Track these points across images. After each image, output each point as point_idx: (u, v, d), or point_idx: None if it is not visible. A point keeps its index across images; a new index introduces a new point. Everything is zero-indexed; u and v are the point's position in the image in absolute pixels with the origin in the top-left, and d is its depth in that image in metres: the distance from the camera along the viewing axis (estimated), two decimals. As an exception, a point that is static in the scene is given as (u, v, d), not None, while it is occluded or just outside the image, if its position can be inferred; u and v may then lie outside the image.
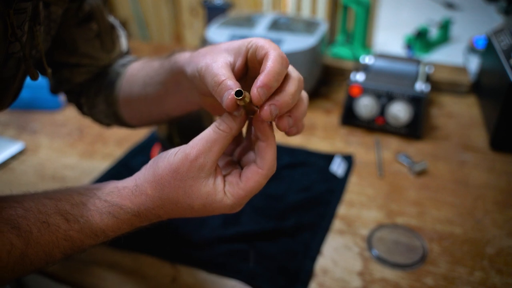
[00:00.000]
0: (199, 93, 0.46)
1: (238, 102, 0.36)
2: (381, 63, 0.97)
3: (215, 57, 0.40)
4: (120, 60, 0.62)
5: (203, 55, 0.41)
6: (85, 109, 0.63)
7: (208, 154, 0.38)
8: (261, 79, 0.36)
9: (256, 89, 0.36)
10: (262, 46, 0.38)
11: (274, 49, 0.38)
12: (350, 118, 0.91)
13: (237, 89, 0.36)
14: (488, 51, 0.98)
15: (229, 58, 0.40)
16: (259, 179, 0.39)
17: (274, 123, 0.42)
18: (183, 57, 0.45)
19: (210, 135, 0.38)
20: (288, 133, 0.43)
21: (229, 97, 0.36)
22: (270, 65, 0.36)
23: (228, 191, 0.39)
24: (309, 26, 1.03)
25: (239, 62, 0.40)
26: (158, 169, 0.40)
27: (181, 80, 0.47)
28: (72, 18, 0.55)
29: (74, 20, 0.55)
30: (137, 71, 0.56)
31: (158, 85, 0.51)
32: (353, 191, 0.73)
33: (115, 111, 0.59)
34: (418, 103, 0.84)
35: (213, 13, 1.22)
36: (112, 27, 0.61)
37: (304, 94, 0.44)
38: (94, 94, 0.60)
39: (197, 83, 0.43)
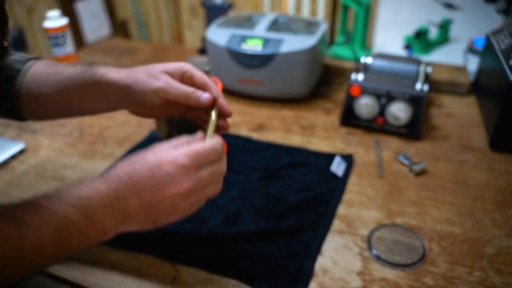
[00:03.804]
0: (133, 103, 0.56)
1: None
2: (381, 63, 0.97)
3: (163, 77, 0.54)
4: (12, 57, 0.63)
5: (149, 76, 0.54)
6: None
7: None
8: (226, 108, 0.58)
9: (223, 105, 0.57)
10: (201, 77, 0.56)
11: (209, 80, 0.56)
12: (350, 118, 0.91)
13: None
14: (487, 51, 0.98)
15: (173, 79, 0.55)
16: (205, 145, 0.47)
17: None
18: (115, 74, 0.55)
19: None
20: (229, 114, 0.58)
21: (207, 96, 0.54)
22: (220, 100, 0.57)
23: (177, 148, 0.47)
24: (309, 26, 1.03)
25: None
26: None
27: (110, 92, 0.56)
28: None
29: None
30: (45, 72, 0.60)
31: (75, 92, 0.58)
32: (353, 191, 0.73)
33: (9, 106, 0.61)
34: (418, 103, 0.84)
35: (213, 13, 1.22)
36: (6, 19, 0.61)
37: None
38: None
39: (145, 98, 0.54)
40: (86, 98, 0.58)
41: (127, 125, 0.95)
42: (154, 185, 0.44)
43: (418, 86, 0.87)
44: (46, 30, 1.08)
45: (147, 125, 0.95)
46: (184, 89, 0.53)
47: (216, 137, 0.50)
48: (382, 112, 0.88)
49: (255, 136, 0.90)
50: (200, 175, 0.46)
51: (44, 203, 0.41)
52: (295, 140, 0.88)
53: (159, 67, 0.55)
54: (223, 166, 0.49)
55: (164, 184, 0.44)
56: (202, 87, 0.55)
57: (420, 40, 1.31)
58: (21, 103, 0.61)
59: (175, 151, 0.46)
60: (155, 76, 0.54)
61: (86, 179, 0.45)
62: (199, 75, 0.55)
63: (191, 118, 0.61)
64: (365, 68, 0.99)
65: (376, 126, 0.89)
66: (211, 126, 0.54)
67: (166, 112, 0.59)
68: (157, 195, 0.44)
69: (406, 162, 0.79)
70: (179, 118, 0.76)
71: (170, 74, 0.55)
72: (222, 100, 0.56)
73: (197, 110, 0.59)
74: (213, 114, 0.55)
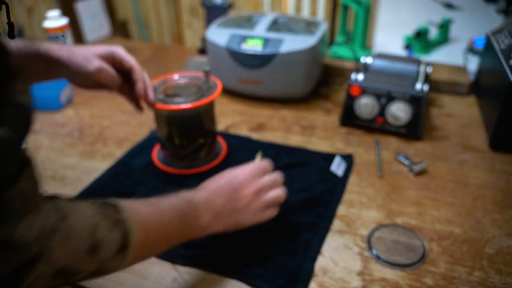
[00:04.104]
0: (71, 79, 0.65)
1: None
2: (381, 63, 0.97)
3: (98, 62, 0.62)
4: None
5: (85, 59, 0.62)
6: None
7: None
8: (149, 94, 0.67)
9: (148, 93, 0.67)
10: (128, 62, 0.65)
11: (136, 64, 0.66)
12: (350, 118, 0.91)
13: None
14: (487, 51, 0.98)
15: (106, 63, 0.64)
16: (262, 162, 0.64)
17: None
18: (57, 52, 0.61)
19: None
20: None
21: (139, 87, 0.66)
22: (146, 79, 0.67)
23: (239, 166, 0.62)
24: (309, 26, 1.03)
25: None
26: None
27: (52, 66, 0.62)
28: None
29: None
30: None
31: (19, 65, 0.62)
32: (353, 191, 0.73)
33: None
34: (418, 103, 0.84)
35: (213, 13, 1.22)
36: None
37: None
38: None
39: (80, 77, 0.63)
40: (29, 70, 0.63)
41: (127, 125, 0.95)
42: (232, 188, 0.57)
43: (418, 86, 0.87)
44: (46, 30, 1.08)
45: (147, 125, 0.95)
46: (113, 77, 0.64)
47: (265, 161, 0.63)
48: (382, 112, 0.88)
49: (255, 136, 0.90)
50: (264, 179, 0.59)
51: (165, 199, 0.51)
52: (295, 140, 0.88)
53: (92, 50, 0.63)
54: (279, 176, 0.61)
55: (239, 186, 0.57)
56: (129, 71, 0.66)
57: (420, 40, 1.31)
58: None
59: (242, 166, 0.60)
60: (90, 59, 0.62)
61: (185, 191, 0.55)
62: (128, 59, 0.65)
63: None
64: (365, 68, 0.99)
65: (376, 126, 0.89)
66: (258, 156, 0.73)
67: (100, 88, 0.67)
68: (235, 196, 0.56)
69: (406, 162, 0.79)
70: (179, 119, 0.76)
71: (103, 58, 0.63)
72: (150, 91, 0.66)
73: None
74: (258, 157, 0.73)
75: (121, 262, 0.43)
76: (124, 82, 0.67)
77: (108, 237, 0.41)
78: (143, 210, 0.47)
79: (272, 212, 0.60)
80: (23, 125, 0.36)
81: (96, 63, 0.62)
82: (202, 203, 0.54)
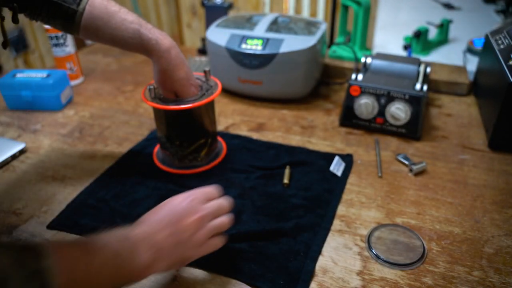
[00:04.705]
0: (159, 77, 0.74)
1: None
2: (381, 63, 0.97)
3: (169, 94, 0.75)
4: None
5: (163, 85, 0.73)
6: (25, 15, 0.71)
7: None
8: None
9: None
10: None
11: None
12: (350, 118, 0.92)
13: None
14: (486, 51, 0.98)
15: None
16: (205, 187, 0.59)
17: None
18: (157, 60, 0.71)
19: None
20: None
21: None
22: None
23: (183, 193, 0.56)
24: (309, 26, 1.03)
25: None
26: None
27: (150, 59, 0.73)
28: None
29: None
30: (104, 20, 0.70)
31: (125, 47, 0.72)
32: (353, 191, 0.73)
33: (67, 25, 0.71)
34: (418, 103, 0.85)
35: (213, 13, 1.22)
36: None
37: None
38: (47, 17, 0.70)
39: (156, 80, 0.74)
40: (133, 51, 0.74)
41: (127, 125, 0.96)
42: (174, 218, 0.51)
43: (418, 86, 0.87)
44: (47, 30, 1.08)
45: (147, 125, 0.95)
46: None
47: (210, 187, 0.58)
48: (382, 112, 0.88)
49: (255, 136, 0.90)
50: (208, 205, 0.54)
51: (96, 238, 0.46)
52: (295, 140, 0.88)
53: (173, 87, 0.73)
54: (225, 202, 0.56)
55: (182, 215, 0.52)
56: None
57: (419, 40, 1.31)
58: (78, 28, 0.71)
59: (183, 193, 0.55)
60: (163, 90, 0.74)
61: (120, 227, 0.49)
62: None
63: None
64: (365, 68, 0.99)
65: (375, 126, 0.90)
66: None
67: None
68: (178, 226, 0.51)
69: (405, 162, 0.79)
70: (179, 119, 0.76)
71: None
72: None
73: None
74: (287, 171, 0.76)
75: None
76: None
77: None
78: (70, 255, 0.42)
79: (217, 242, 0.55)
80: None
81: (164, 94, 0.75)
82: (140, 239, 0.48)
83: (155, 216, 0.52)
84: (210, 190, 0.57)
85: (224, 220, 0.55)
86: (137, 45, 0.71)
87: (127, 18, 0.70)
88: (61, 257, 0.40)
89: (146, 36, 0.70)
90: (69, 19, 0.69)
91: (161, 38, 0.70)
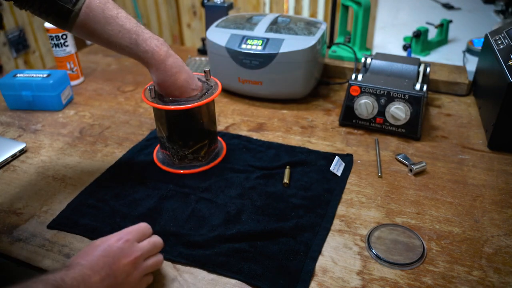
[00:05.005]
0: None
1: None
2: (381, 63, 0.98)
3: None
4: None
5: (166, 93, 0.74)
6: (14, 4, 0.68)
7: None
8: None
9: None
10: None
11: None
12: (349, 118, 0.92)
13: None
14: (485, 51, 0.98)
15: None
16: (139, 225, 0.58)
17: None
18: (154, 72, 0.72)
19: None
20: None
21: None
22: None
23: (114, 234, 0.55)
24: (309, 26, 1.03)
25: None
26: None
27: (144, 65, 0.73)
28: None
29: None
30: (100, 25, 0.68)
31: (120, 52, 0.72)
32: (353, 191, 0.74)
33: (61, 22, 0.69)
34: (417, 102, 0.85)
35: (213, 13, 1.22)
36: None
37: None
38: (40, 11, 0.68)
39: (158, 90, 0.75)
40: (126, 56, 0.74)
41: (127, 125, 0.96)
42: (109, 261, 0.50)
43: (418, 86, 0.87)
44: (47, 30, 1.08)
45: (147, 125, 0.95)
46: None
47: (143, 224, 0.58)
48: (381, 112, 0.88)
49: (255, 136, 0.90)
50: (142, 245, 0.54)
51: None
52: (295, 140, 0.88)
53: (175, 94, 0.73)
54: (157, 240, 0.57)
55: (117, 256, 0.51)
56: None
57: (419, 40, 1.31)
58: (71, 27, 0.69)
59: (116, 233, 0.54)
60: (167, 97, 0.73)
61: (51, 271, 0.48)
62: None
63: None
64: (365, 68, 0.99)
65: (375, 126, 0.90)
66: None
67: None
68: (114, 268, 0.50)
69: (405, 162, 0.80)
70: (179, 119, 0.76)
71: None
72: None
73: None
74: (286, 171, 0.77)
75: None
76: None
77: None
78: None
79: (148, 280, 0.55)
80: None
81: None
82: (75, 284, 0.46)
83: (89, 257, 0.50)
84: (143, 227, 0.56)
85: (158, 259, 0.56)
86: (133, 55, 0.71)
87: (124, 25, 0.68)
88: None
89: (143, 48, 0.69)
90: (62, 17, 0.68)
91: (157, 50, 0.69)
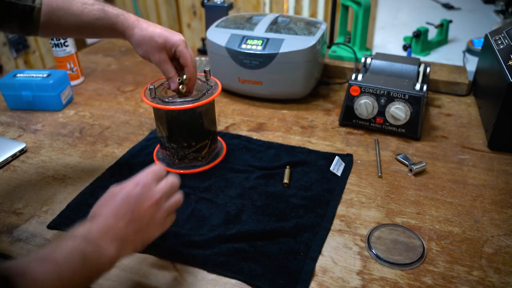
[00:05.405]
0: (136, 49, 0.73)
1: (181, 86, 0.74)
2: (381, 63, 0.98)
3: (158, 56, 0.70)
4: None
5: (148, 50, 0.70)
6: None
7: None
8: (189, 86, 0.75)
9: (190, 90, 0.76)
10: (185, 59, 0.72)
11: (191, 63, 0.72)
12: (349, 118, 0.92)
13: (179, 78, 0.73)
14: (485, 51, 0.98)
15: (166, 55, 0.72)
16: (152, 167, 0.57)
17: None
18: (131, 33, 0.70)
19: None
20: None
21: (176, 83, 0.73)
22: (192, 72, 0.73)
23: (130, 179, 0.55)
24: (309, 26, 1.03)
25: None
26: None
27: (118, 35, 0.72)
28: None
29: None
30: (65, 9, 0.68)
31: (92, 32, 0.71)
32: (353, 191, 0.74)
33: (24, 25, 0.68)
34: (417, 102, 0.85)
35: (213, 13, 1.22)
36: None
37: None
38: (1, 20, 0.66)
39: (141, 53, 0.72)
40: (100, 36, 0.74)
41: (127, 125, 0.96)
42: (132, 206, 0.51)
43: (418, 86, 0.87)
44: (47, 30, 1.08)
45: (147, 125, 0.95)
46: (167, 71, 0.72)
47: (156, 166, 0.57)
48: (381, 112, 0.88)
49: (255, 136, 0.90)
50: (160, 187, 0.54)
51: (61, 246, 0.45)
52: (295, 140, 0.88)
53: (157, 42, 0.69)
54: (174, 179, 0.57)
55: (138, 202, 0.51)
56: (182, 67, 0.73)
57: (419, 40, 1.31)
58: (37, 26, 0.68)
59: (132, 180, 0.53)
60: (152, 53, 0.70)
61: (76, 226, 0.49)
62: (185, 57, 0.71)
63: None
64: (365, 68, 0.99)
65: (375, 126, 0.90)
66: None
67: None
68: (136, 213, 0.51)
69: (405, 162, 0.80)
70: (179, 118, 0.76)
71: (164, 50, 0.71)
72: (192, 89, 0.76)
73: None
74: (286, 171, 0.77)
75: None
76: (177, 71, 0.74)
77: None
78: (40, 273, 0.41)
79: (172, 218, 0.56)
80: None
81: (156, 57, 0.70)
82: (102, 234, 0.48)
83: (110, 207, 0.50)
84: (157, 169, 0.56)
85: (178, 198, 0.57)
86: (105, 25, 0.69)
87: (86, 1, 0.68)
88: (33, 280, 0.40)
89: (112, 13, 0.68)
90: (26, 18, 0.66)
91: (126, 12, 0.70)
